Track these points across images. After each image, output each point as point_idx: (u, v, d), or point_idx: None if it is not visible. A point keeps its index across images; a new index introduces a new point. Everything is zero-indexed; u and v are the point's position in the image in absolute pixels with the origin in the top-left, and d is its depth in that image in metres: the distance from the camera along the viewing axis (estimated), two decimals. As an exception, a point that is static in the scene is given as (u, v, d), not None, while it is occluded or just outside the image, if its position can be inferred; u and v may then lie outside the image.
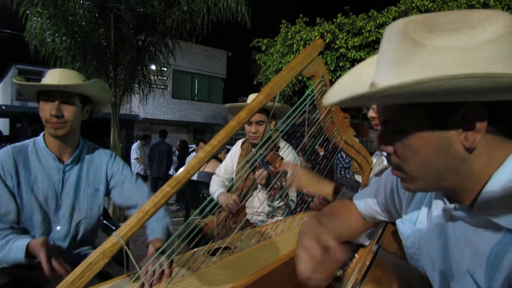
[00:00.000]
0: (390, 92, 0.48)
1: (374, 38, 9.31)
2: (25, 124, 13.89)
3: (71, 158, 1.44)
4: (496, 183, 0.53)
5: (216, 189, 2.18)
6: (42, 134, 1.43)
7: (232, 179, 2.29)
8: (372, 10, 9.86)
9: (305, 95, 1.26)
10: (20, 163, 1.35)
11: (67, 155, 1.44)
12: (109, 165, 1.52)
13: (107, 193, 1.53)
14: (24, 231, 1.34)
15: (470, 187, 0.56)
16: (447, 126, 0.53)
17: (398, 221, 0.81)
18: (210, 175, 4.25)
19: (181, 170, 0.96)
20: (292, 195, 2.03)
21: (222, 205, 2.02)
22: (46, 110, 1.34)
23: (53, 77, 1.35)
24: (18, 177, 1.34)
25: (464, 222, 0.58)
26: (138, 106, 15.11)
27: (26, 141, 1.43)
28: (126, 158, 7.39)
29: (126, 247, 0.86)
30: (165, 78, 7.71)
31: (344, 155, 6.18)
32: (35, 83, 1.35)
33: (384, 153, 0.65)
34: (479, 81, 0.44)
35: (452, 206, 0.59)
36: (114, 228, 1.70)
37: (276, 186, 1.76)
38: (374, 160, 1.56)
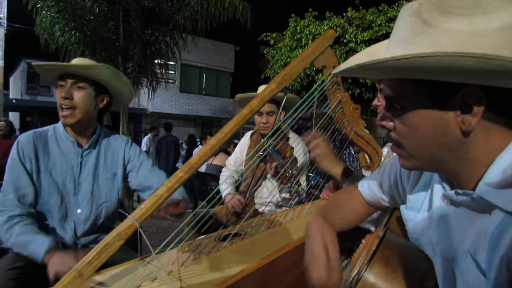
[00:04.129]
0: (390, 64, 0.51)
1: (384, 32, 9.19)
2: (35, 117, 14.09)
3: (89, 143, 1.48)
4: (498, 168, 0.54)
5: (224, 187, 2.23)
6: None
7: (242, 170, 2.31)
8: (382, 4, 9.73)
9: (316, 85, 1.26)
10: (40, 147, 1.39)
11: (85, 140, 1.48)
12: (126, 150, 1.56)
13: (125, 177, 1.56)
14: (42, 215, 1.38)
15: (468, 172, 0.58)
16: (446, 107, 0.55)
17: (402, 207, 0.83)
18: (218, 167, 4.29)
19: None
20: (303, 183, 2.05)
21: (228, 205, 2.07)
22: (59, 94, 1.38)
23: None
24: (37, 161, 1.38)
25: (467, 206, 0.59)
26: (146, 100, 15.21)
27: (46, 127, 1.48)
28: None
29: (140, 229, 0.88)
30: (173, 72, 7.80)
31: (352, 151, 6.16)
32: (48, 63, 1.40)
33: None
34: (476, 61, 0.45)
35: (452, 192, 0.60)
36: (127, 215, 1.73)
37: (287, 175, 1.77)
38: (385, 151, 1.56)
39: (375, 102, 1.52)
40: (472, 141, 0.55)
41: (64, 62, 1.42)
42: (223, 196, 2.17)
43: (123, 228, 0.87)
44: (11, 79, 18.94)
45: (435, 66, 0.48)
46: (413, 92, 0.57)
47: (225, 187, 2.22)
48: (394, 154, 1.41)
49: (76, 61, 1.43)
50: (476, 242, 0.57)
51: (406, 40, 0.54)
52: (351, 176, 1.34)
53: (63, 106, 1.38)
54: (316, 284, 0.76)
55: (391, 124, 0.63)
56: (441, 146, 0.57)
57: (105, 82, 1.46)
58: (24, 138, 1.38)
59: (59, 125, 1.47)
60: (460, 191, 0.58)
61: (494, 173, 0.54)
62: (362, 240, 1.04)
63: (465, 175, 0.59)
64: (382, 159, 1.55)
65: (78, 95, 1.39)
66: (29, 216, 1.32)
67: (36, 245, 1.20)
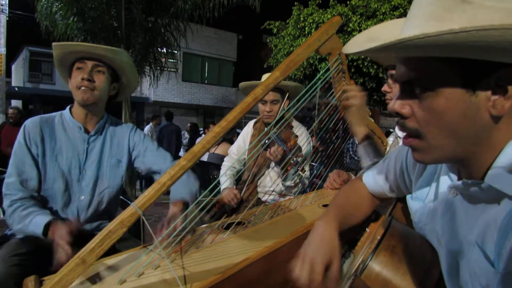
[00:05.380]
0: (437, 40, 0.46)
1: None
2: (37, 106, 14.05)
3: (95, 129, 1.48)
4: (508, 154, 0.52)
5: (223, 180, 2.22)
6: (68, 107, 1.49)
7: (244, 159, 2.30)
8: (387, -8, 9.58)
9: (321, 73, 1.24)
10: (46, 132, 1.40)
11: (92, 126, 1.49)
12: (130, 136, 1.57)
13: (130, 164, 1.57)
14: (45, 200, 1.39)
15: (481, 159, 0.55)
16: (478, 89, 0.51)
17: (408, 197, 0.82)
18: (220, 157, 4.28)
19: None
20: (307, 171, 2.04)
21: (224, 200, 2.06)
22: (78, 76, 1.39)
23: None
24: (43, 146, 1.38)
25: (475, 196, 0.58)
26: (149, 89, 15.16)
27: (53, 113, 1.48)
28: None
29: (143, 217, 0.88)
30: (176, 60, 7.72)
31: (356, 141, 6.15)
32: (74, 43, 1.42)
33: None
34: None
35: (459, 182, 0.58)
36: (129, 202, 1.73)
37: (292, 162, 1.77)
38: (390, 140, 1.55)
39: (384, 88, 1.50)
40: (496, 126, 0.52)
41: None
42: (221, 190, 2.17)
43: (126, 216, 0.87)
44: (13, 67, 18.88)
45: (497, 41, 0.43)
46: (441, 73, 0.53)
47: (224, 179, 2.21)
48: (400, 143, 1.40)
49: (95, 45, 1.43)
50: (484, 232, 0.55)
51: (436, 17, 0.49)
52: (370, 141, 1.28)
53: (83, 88, 1.38)
54: (295, 277, 0.77)
55: (408, 110, 0.58)
56: (467, 133, 0.54)
57: (122, 69, 1.48)
58: (31, 123, 1.39)
59: (66, 112, 1.48)
60: (469, 181, 0.56)
61: (505, 159, 0.52)
62: (366, 229, 1.04)
63: (477, 162, 0.56)
64: (388, 148, 1.53)
65: (99, 78, 1.41)
66: (31, 198, 1.32)
67: (36, 219, 1.21)
